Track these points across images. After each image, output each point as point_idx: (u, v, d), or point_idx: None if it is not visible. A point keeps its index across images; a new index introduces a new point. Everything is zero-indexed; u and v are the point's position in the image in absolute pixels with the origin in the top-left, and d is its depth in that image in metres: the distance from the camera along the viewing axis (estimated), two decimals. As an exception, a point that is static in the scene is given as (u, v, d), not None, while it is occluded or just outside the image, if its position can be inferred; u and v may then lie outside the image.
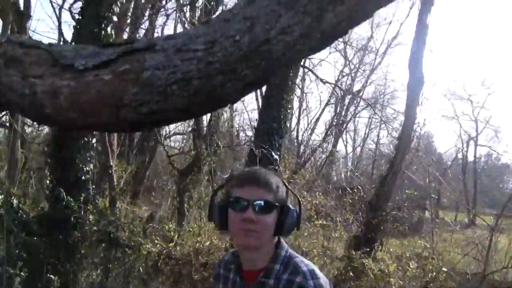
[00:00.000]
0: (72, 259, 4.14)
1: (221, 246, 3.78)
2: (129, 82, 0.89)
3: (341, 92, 14.13)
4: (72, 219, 4.03)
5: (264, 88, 6.70)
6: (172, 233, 4.01)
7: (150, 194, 9.76)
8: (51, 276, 3.96)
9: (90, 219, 4.12)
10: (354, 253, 4.07)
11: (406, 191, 5.80)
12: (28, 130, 6.81)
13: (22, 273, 3.85)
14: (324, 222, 5.71)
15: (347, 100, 15.72)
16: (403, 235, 6.25)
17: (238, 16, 0.92)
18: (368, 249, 4.63)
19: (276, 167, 4.92)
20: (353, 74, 15.57)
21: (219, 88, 0.91)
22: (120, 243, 4.01)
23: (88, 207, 4.07)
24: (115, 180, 4.87)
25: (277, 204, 1.38)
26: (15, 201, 3.85)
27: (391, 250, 5.39)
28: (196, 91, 0.89)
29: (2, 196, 3.71)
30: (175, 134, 11.83)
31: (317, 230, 5.85)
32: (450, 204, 14.39)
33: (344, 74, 15.23)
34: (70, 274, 4.10)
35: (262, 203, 1.37)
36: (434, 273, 3.41)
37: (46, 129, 7.77)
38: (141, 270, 3.95)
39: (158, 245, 3.83)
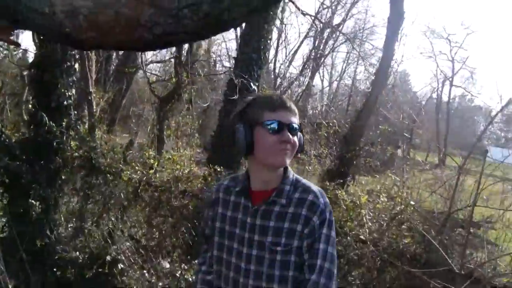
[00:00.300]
0: (53, 185, 4.28)
1: (200, 174, 3.97)
2: (145, 4, 1.00)
3: (321, 25, 14.08)
4: (54, 144, 4.15)
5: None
6: (152, 160, 4.17)
7: (126, 123, 9.83)
8: (33, 201, 4.12)
9: (71, 145, 4.25)
10: (328, 183, 4.30)
11: (380, 127, 6.04)
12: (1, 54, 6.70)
13: (3, 199, 3.98)
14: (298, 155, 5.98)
15: (326, 34, 15.70)
16: (374, 172, 6.56)
17: None
18: (341, 182, 4.90)
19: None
20: (333, 7, 15.49)
21: (226, 12, 1.03)
22: (101, 169, 4.16)
23: (70, 133, 4.17)
24: (94, 107, 4.94)
25: (299, 128, 1.60)
26: None
27: (362, 182, 5.70)
28: (205, 15, 1.01)
29: (-16, 120, 3.78)
30: (154, 62, 11.77)
31: (291, 163, 6.11)
32: (422, 144, 14.92)
33: (325, 6, 15.13)
34: (51, 200, 4.25)
35: (295, 125, 1.55)
36: (403, 206, 3.66)
37: (19, 53, 7.67)
38: (122, 196, 4.13)
39: (138, 172, 4.00)
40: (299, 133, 1.57)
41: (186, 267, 3.88)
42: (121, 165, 3.99)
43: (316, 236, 1.51)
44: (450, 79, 16.76)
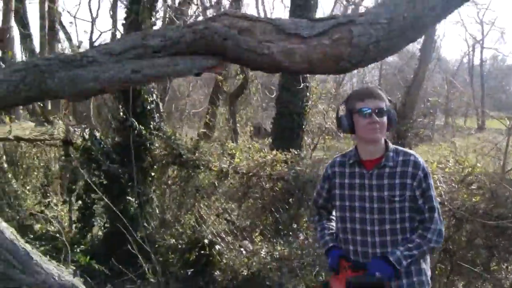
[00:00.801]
0: (146, 182, 4.87)
1: (282, 158, 4.52)
2: (343, 45, 1.51)
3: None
4: (144, 145, 4.74)
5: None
6: (234, 150, 4.74)
7: (169, 118, 10.40)
8: (130, 198, 4.72)
9: (158, 144, 4.83)
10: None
11: (430, 99, 6.52)
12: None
13: (104, 199, 4.57)
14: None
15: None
16: (426, 141, 7.06)
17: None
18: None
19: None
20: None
21: (392, 47, 1.55)
22: (190, 163, 4.74)
23: (158, 134, 4.75)
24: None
25: (387, 109, 2.11)
26: (97, 133, 4.52)
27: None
28: (382, 49, 1.53)
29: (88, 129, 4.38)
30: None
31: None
32: (458, 109, 15.18)
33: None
34: (145, 195, 4.86)
35: (381, 109, 2.08)
36: (470, 168, 4.13)
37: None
38: (210, 185, 4.71)
39: (226, 161, 4.57)
40: (389, 112, 2.10)
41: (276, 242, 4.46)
42: (209, 157, 4.57)
43: (424, 186, 2.08)
44: (481, 41, 16.92)
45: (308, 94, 6.49)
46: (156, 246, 4.77)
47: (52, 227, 5.38)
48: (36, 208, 5.27)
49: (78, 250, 4.78)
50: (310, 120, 6.93)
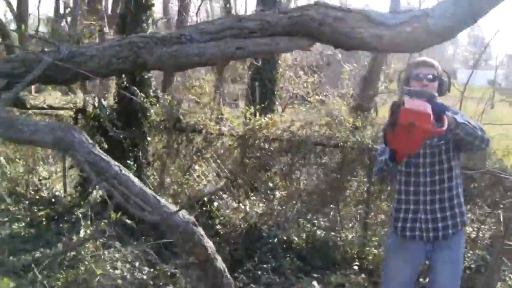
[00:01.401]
0: (143, 146, 5.30)
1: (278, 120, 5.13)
2: (421, 32, 2.10)
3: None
4: (142, 111, 5.15)
5: None
6: (226, 115, 5.28)
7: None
8: (129, 161, 5.14)
9: (155, 111, 5.25)
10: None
11: (392, 65, 7.34)
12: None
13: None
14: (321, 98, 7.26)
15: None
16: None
17: None
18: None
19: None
20: None
21: (454, 32, 2.17)
22: (188, 128, 5.21)
23: (156, 101, 5.17)
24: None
25: (437, 75, 2.78)
26: (103, 101, 4.88)
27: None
28: (447, 34, 2.15)
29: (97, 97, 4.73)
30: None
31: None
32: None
33: None
34: (142, 159, 5.29)
35: (431, 75, 2.76)
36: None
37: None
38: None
39: (225, 125, 5.11)
40: (440, 79, 2.79)
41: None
42: (208, 121, 5.07)
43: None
44: None
45: (279, 61, 7.14)
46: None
47: (44, 193, 5.70)
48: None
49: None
50: (280, 87, 7.60)
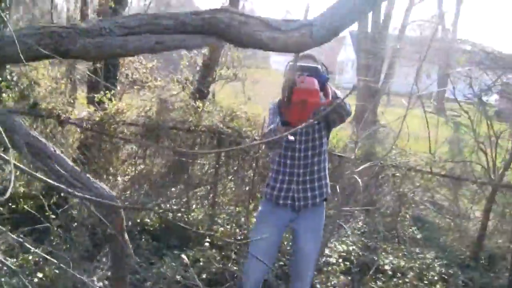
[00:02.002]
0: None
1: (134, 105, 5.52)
2: (306, 37, 2.81)
3: None
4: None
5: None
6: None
7: None
8: None
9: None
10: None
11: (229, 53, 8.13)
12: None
13: None
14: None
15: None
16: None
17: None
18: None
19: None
20: None
21: (333, 36, 2.95)
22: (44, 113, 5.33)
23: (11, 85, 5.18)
24: None
25: (314, 68, 3.53)
26: None
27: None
28: (327, 38, 2.91)
29: None
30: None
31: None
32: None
33: None
34: None
35: (308, 67, 3.47)
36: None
37: None
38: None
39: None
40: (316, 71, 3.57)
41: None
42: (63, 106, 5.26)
43: None
44: None
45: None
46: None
47: None
48: None
49: None
50: (122, 71, 7.84)
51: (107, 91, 5.81)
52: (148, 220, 5.93)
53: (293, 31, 2.80)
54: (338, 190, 4.93)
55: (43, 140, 2.61)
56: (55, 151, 2.63)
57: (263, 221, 4.10)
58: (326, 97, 3.35)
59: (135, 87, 8.13)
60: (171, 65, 9.03)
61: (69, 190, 2.54)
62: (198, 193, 6.48)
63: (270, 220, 3.99)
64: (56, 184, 2.42)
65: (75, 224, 5.20)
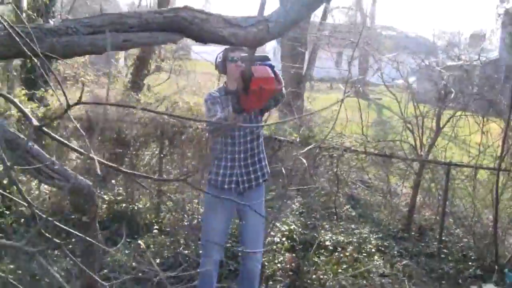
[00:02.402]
0: None
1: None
2: (264, 32, 3.09)
3: None
4: None
5: None
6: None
7: None
8: None
9: None
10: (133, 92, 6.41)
11: (163, 46, 8.25)
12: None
13: None
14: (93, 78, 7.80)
15: None
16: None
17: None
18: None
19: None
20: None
21: (287, 29, 3.24)
22: None
23: None
24: None
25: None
26: None
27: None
28: (282, 32, 3.20)
29: None
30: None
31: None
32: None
33: None
34: None
35: (243, 57, 3.79)
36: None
37: None
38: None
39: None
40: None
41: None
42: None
43: None
44: None
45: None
46: None
47: None
48: None
49: None
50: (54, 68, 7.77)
51: (47, 87, 5.83)
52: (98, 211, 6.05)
53: (252, 27, 3.07)
54: (284, 172, 5.27)
55: (21, 135, 2.75)
56: (33, 145, 2.77)
57: (212, 208, 4.37)
58: (279, 83, 3.67)
59: (67, 82, 8.09)
60: (102, 59, 9.04)
61: (50, 181, 2.72)
62: (143, 183, 6.64)
63: (218, 206, 4.26)
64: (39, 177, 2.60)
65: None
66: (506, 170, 6.26)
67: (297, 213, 7.33)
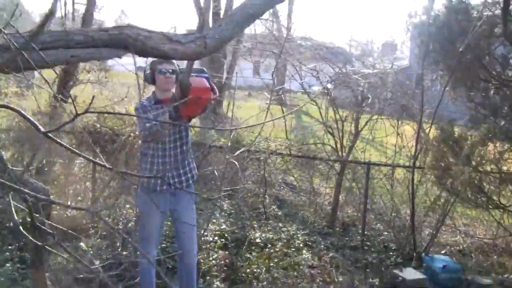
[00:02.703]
0: None
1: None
2: (201, 47, 3.44)
3: None
4: None
5: None
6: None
7: None
8: None
9: None
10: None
11: None
12: None
13: None
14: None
15: None
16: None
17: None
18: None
19: None
20: None
21: (221, 46, 3.61)
22: None
23: None
24: None
25: (175, 70, 4.22)
26: None
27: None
28: (218, 47, 3.56)
29: None
30: None
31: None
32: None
33: None
34: None
35: (171, 70, 4.16)
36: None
37: None
38: None
39: None
40: (177, 73, 4.23)
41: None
42: None
43: None
44: None
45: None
46: None
47: None
48: None
49: None
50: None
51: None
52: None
53: (191, 43, 3.43)
54: (217, 175, 5.63)
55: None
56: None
57: (146, 209, 4.66)
58: (214, 93, 4.06)
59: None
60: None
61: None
62: (78, 190, 6.80)
63: (152, 208, 4.57)
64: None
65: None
66: (420, 168, 6.87)
67: (226, 214, 7.69)
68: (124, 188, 6.87)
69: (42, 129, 2.31)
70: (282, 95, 10.11)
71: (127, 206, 6.79)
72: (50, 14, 3.25)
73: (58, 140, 2.47)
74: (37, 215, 3.21)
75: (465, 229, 8.02)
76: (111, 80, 10.02)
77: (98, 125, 6.28)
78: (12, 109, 2.54)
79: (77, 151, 2.72)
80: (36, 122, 2.31)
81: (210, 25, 14.10)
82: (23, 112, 2.37)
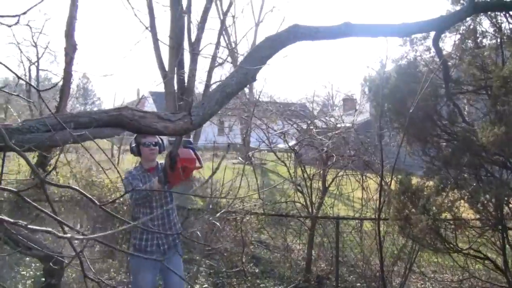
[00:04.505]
0: None
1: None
2: (188, 124, 4.05)
3: None
4: None
5: None
6: None
7: None
8: None
9: None
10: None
11: None
12: None
13: None
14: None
15: None
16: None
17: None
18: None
19: None
20: None
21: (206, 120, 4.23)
22: None
23: None
24: None
25: (158, 142, 4.83)
26: None
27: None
28: (203, 123, 4.18)
29: None
30: None
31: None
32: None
33: None
34: None
35: (154, 142, 4.78)
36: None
37: None
38: None
39: None
40: (159, 144, 4.86)
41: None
42: None
43: None
44: (36, 63, 18.85)
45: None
46: None
47: None
48: None
49: None
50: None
51: None
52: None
53: (179, 121, 4.04)
54: (200, 235, 6.13)
55: None
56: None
57: (139, 270, 5.13)
58: (199, 162, 4.66)
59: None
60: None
61: (28, 252, 3.43)
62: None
63: (145, 267, 5.04)
64: None
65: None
66: (385, 219, 7.44)
67: (205, 273, 8.08)
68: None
69: (41, 176, 2.82)
70: (252, 156, 10.73)
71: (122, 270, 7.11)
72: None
73: (55, 183, 2.98)
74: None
75: (433, 276, 8.57)
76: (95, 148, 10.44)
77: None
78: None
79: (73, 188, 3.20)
80: (36, 169, 2.82)
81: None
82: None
